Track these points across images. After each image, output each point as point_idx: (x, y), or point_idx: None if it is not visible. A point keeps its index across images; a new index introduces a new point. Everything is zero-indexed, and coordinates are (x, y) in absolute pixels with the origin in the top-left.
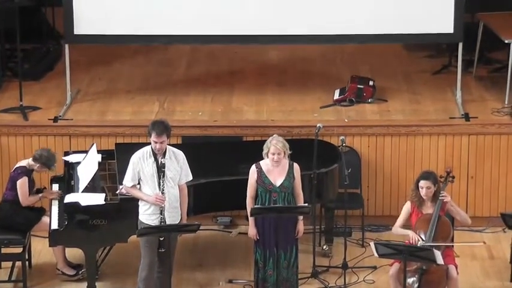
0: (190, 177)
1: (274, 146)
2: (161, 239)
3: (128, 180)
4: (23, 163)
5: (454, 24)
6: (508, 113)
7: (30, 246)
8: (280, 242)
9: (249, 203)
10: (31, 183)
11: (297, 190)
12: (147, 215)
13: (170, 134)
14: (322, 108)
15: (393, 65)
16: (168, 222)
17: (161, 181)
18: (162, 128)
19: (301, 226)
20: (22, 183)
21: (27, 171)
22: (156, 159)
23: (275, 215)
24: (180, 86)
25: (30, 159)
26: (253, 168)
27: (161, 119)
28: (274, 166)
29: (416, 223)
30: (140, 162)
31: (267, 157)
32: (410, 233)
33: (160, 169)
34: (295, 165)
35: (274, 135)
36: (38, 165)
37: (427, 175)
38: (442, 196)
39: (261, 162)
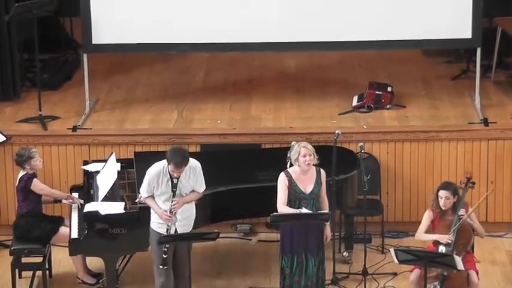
0: (203, 188)
1: (305, 147)
2: (164, 256)
3: (143, 191)
4: (22, 173)
5: (472, 29)
6: None
7: (51, 256)
8: (309, 248)
9: (284, 210)
10: None
11: (323, 195)
12: (158, 223)
13: (188, 162)
14: (340, 115)
15: (411, 71)
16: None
17: (172, 200)
18: (180, 160)
19: (328, 231)
20: (36, 185)
21: (32, 175)
22: (171, 178)
23: (296, 222)
24: (199, 94)
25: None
26: (282, 176)
27: (180, 147)
28: (306, 170)
29: (437, 229)
30: (155, 179)
31: (297, 163)
32: (436, 236)
33: (172, 189)
34: (322, 171)
35: (300, 142)
36: (27, 164)
37: (447, 185)
38: (461, 214)
39: (289, 170)
